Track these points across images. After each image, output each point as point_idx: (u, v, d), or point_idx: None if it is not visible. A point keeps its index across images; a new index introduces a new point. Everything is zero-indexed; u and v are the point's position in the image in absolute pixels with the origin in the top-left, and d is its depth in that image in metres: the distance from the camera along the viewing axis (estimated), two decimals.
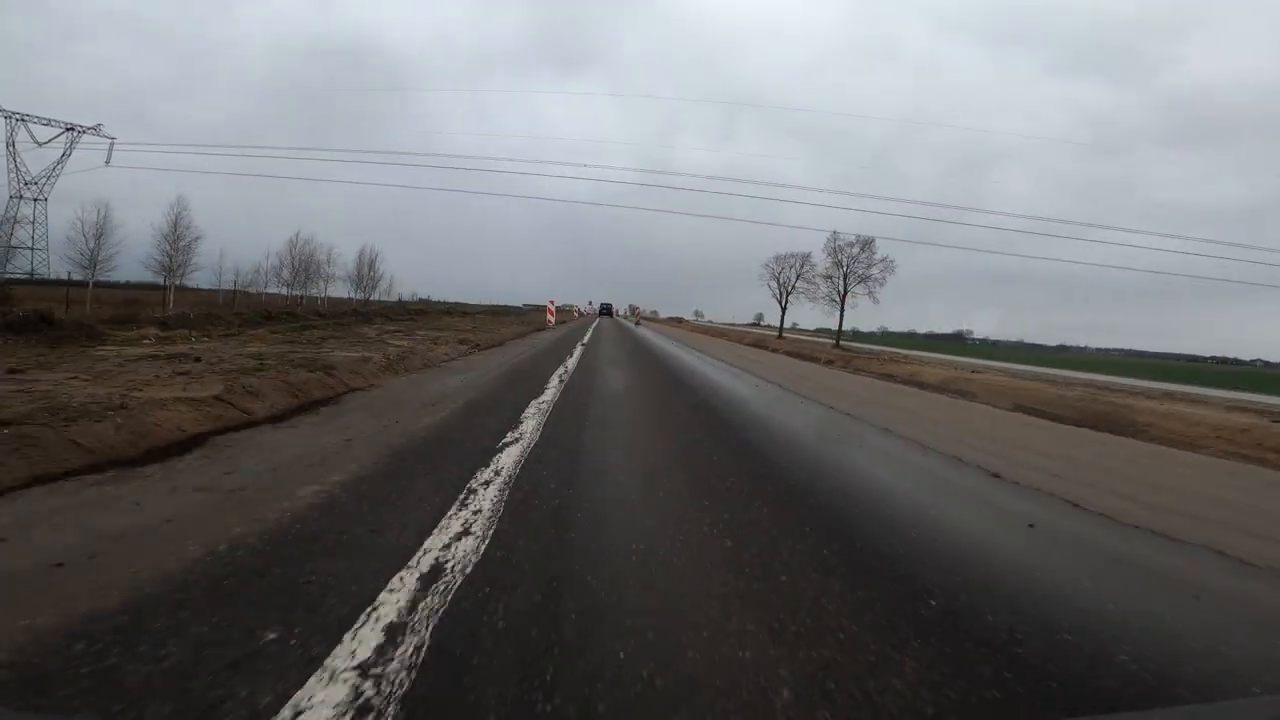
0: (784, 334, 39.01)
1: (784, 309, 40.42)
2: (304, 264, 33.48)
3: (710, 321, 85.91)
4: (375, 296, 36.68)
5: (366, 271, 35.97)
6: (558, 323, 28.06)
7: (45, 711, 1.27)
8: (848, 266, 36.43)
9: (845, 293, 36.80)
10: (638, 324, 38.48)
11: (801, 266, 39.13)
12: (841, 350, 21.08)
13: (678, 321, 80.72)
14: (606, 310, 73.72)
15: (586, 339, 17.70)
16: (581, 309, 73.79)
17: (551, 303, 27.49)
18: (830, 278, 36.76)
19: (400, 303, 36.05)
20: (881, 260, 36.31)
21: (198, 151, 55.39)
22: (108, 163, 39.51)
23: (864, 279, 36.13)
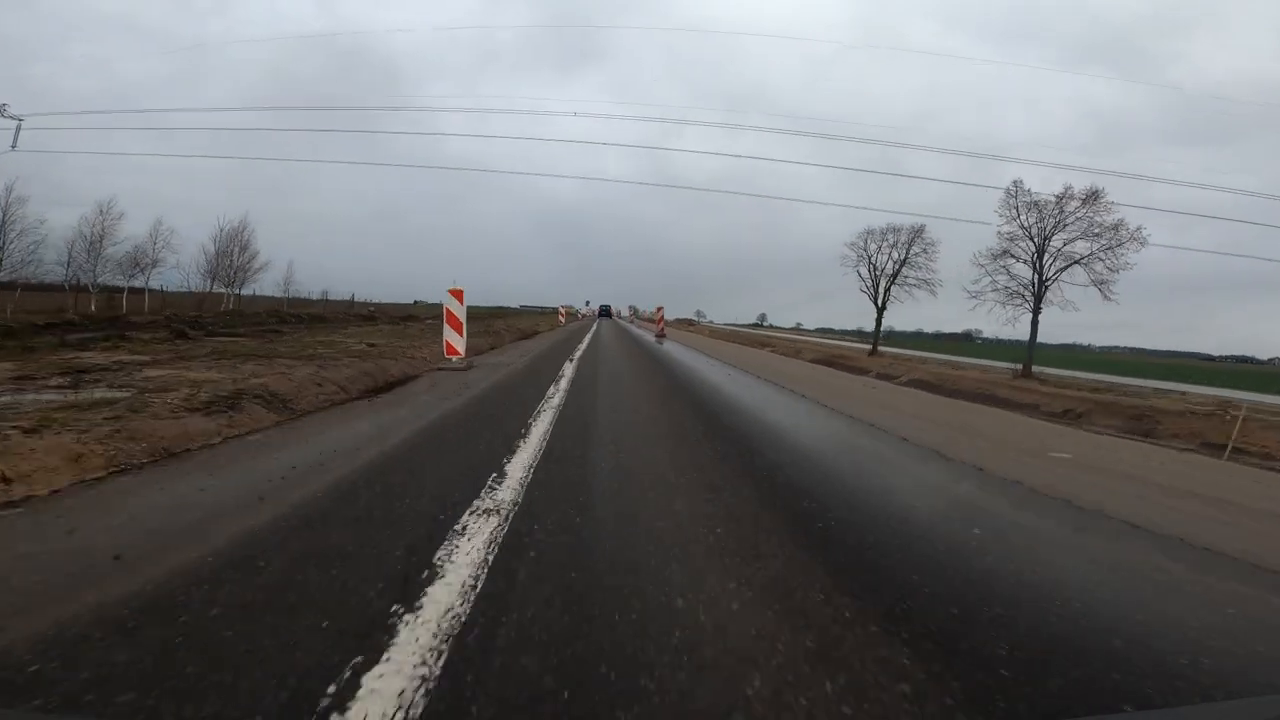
0: (839, 342, 30.28)
1: (881, 309, 27.61)
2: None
3: (711, 322, 78.06)
4: (254, 292, 27.69)
5: (238, 258, 26.83)
6: (514, 340, 14.23)
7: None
8: (1045, 237, 21.23)
9: (1043, 282, 21.21)
10: (662, 338, 21.78)
11: (910, 244, 27.19)
12: (1042, 384, 12.31)
13: (689, 325, 68.65)
14: (605, 312, 73.62)
15: (565, 379, 8.45)
16: (580, 311, 67.33)
17: (456, 296, 9.04)
18: (1006, 254, 22.04)
19: (280, 305, 27.07)
20: (1121, 227, 20.32)
21: (122, 124, 45.80)
22: (14, 147, 30.45)
23: (1079, 261, 20.58)
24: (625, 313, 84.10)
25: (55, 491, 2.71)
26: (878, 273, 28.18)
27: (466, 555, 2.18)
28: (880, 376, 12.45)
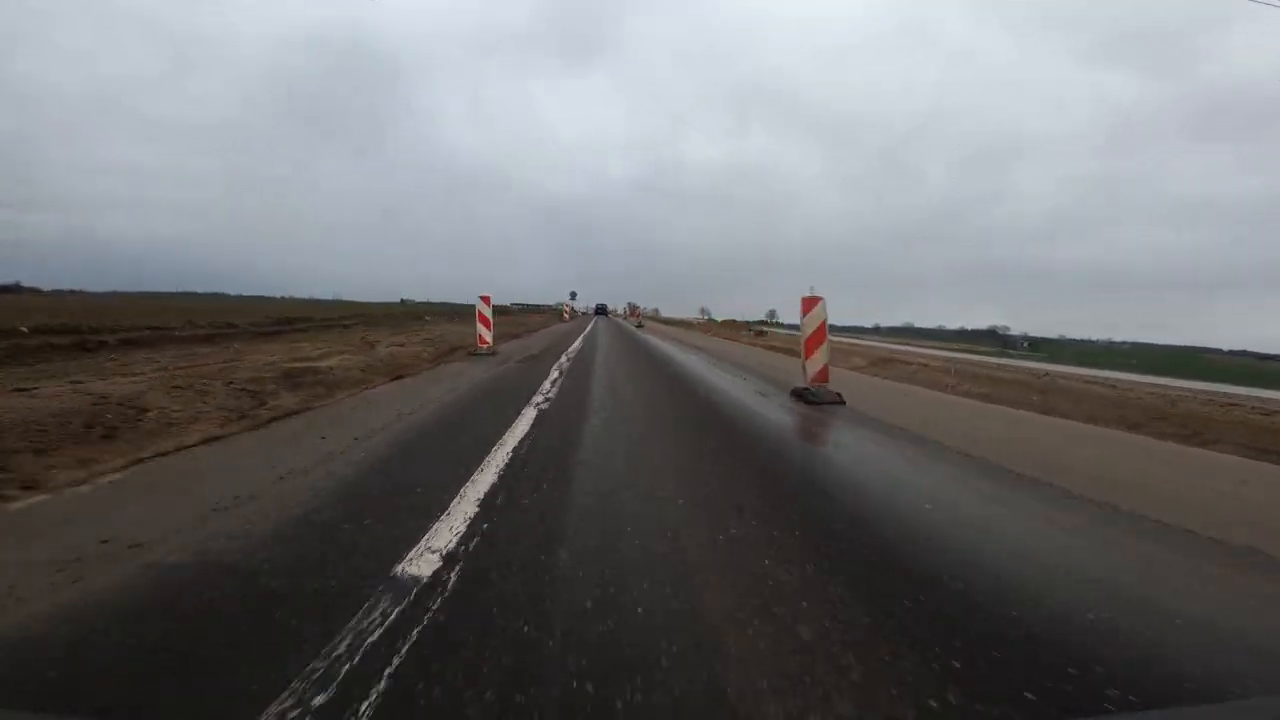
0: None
1: None
2: None
3: (707, 317, 66.90)
4: None
5: None
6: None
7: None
8: None
9: None
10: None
11: None
12: None
13: (757, 333, 30.11)
14: (601, 310, 71.94)
15: None
16: (574, 308, 57.86)
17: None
18: None
19: None
20: None
21: None
22: None
23: None
24: (623, 310, 76.51)
25: None
26: None
27: None
28: None
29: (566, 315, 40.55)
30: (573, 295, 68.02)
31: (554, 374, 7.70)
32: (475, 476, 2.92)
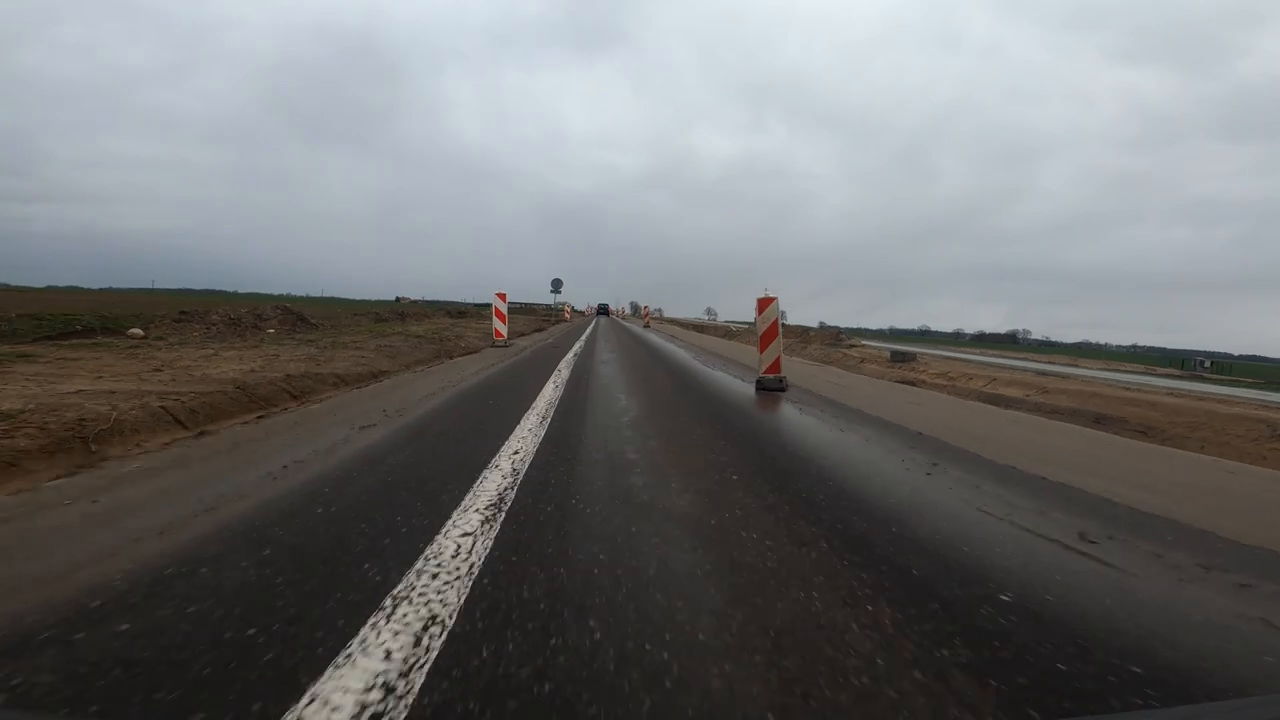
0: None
1: None
2: None
3: (713, 321, 66.07)
4: None
5: None
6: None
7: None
8: None
9: None
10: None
11: None
12: None
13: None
14: (604, 310, 70.14)
15: None
16: (560, 308, 42.45)
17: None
18: None
19: None
20: None
21: None
22: None
23: None
24: (625, 310, 79.78)
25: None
26: None
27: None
28: None
29: (501, 331, 12.50)
30: (556, 285, 39.05)
31: None
32: None
